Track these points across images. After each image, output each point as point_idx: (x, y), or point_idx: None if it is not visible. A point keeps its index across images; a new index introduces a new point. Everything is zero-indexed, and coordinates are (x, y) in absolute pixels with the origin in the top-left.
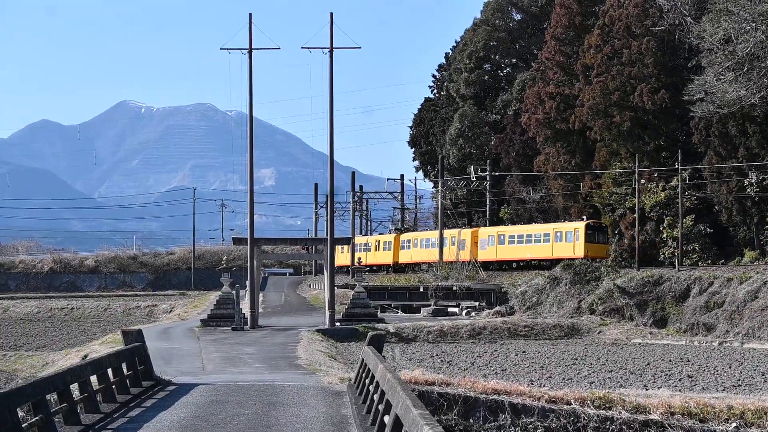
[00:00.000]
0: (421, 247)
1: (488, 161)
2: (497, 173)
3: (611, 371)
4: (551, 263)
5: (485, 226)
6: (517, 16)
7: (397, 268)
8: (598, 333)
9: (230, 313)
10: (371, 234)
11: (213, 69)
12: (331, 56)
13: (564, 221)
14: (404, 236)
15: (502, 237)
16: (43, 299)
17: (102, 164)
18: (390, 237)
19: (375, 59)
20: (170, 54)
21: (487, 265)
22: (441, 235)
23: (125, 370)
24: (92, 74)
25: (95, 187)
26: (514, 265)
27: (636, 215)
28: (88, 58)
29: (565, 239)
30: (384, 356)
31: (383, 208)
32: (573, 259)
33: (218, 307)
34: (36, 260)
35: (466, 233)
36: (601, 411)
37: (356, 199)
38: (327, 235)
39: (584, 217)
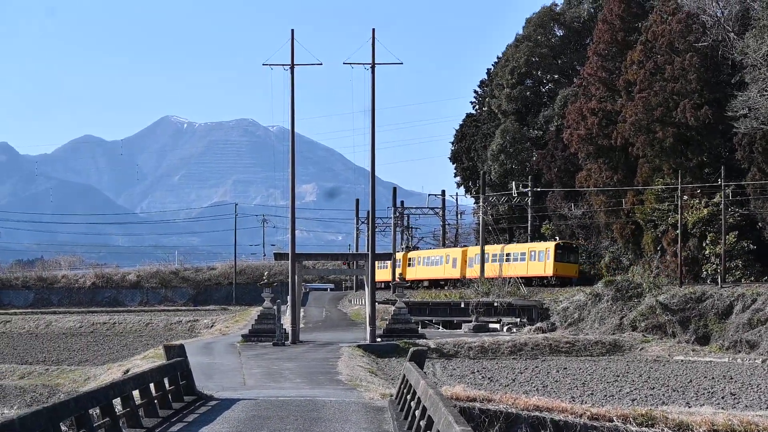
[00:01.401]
0: (424, 265)
1: (530, 177)
2: (539, 189)
3: (653, 388)
4: (527, 282)
5: (526, 242)
6: (560, 32)
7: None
8: (640, 350)
9: (271, 328)
10: (409, 250)
11: (255, 84)
12: (373, 72)
13: (539, 241)
14: (411, 254)
15: (486, 256)
16: (86, 314)
17: (144, 179)
18: (399, 255)
19: (417, 75)
20: (212, 69)
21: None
22: (482, 251)
23: (167, 385)
24: (135, 90)
25: (137, 203)
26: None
27: (678, 231)
28: (131, 74)
29: (538, 258)
30: (425, 372)
31: (425, 223)
32: (543, 277)
33: (259, 323)
34: (78, 275)
35: (457, 252)
36: (644, 428)
37: (397, 214)
38: (368, 251)
39: (557, 238)
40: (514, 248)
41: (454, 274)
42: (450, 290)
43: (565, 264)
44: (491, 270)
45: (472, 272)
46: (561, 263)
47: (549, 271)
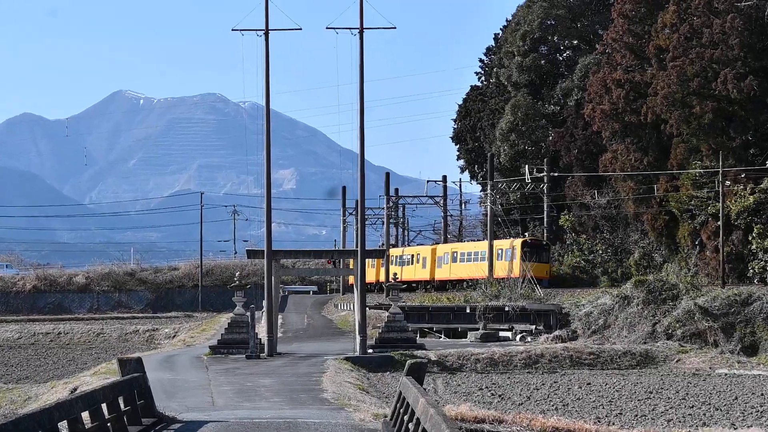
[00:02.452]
0: (397, 264)
1: (545, 160)
2: (556, 174)
3: (692, 407)
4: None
5: (542, 235)
6: None
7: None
8: (677, 361)
9: (244, 338)
10: (408, 245)
11: (223, 54)
12: (361, 38)
13: (503, 238)
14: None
15: (455, 255)
16: (25, 323)
17: (93, 165)
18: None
19: (413, 42)
20: (172, 37)
21: (443, 285)
22: (491, 246)
23: (122, 406)
24: (81, 62)
25: (86, 192)
26: (465, 285)
27: (720, 223)
28: (75, 44)
29: (505, 257)
30: (425, 388)
31: (422, 215)
32: (495, 279)
33: (230, 332)
34: (17, 277)
35: (426, 250)
36: None
37: (391, 204)
38: (357, 247)
39: (526, 234)
40: (480, 246)
41: (424, 275)
42: (453, 293)
43: (534, 264)
44: (455, 270)
45: (442, 273)
46: (529, 263)
47: (516, 272)
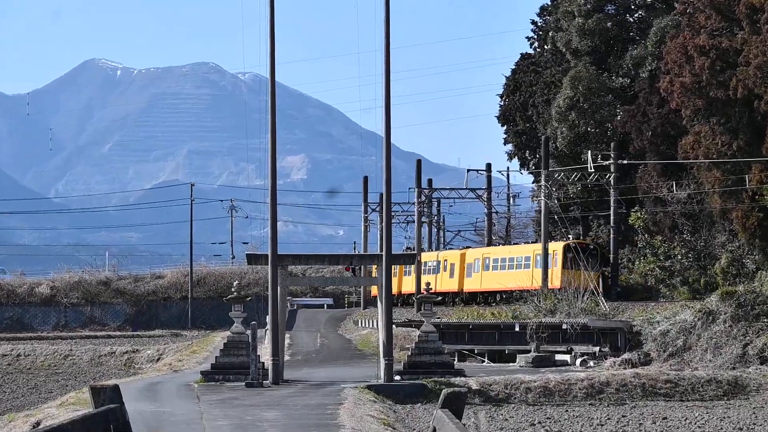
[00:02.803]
0: (438, 272)
1: (612, 144)
2: (625, 162)
3: None
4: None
5: (607, 234)
6: None
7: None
8: None
9: (243, 361)
10: (444, 248)
11: (218, 14)
12: None
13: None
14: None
15: (487, 261)
16: None
17: (60, 150)
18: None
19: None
20: None
21: (473, 297)
22: (545, 249)
23: None
24: (42, 23)
25: (51, 183)
26: (498, 297)
27: None
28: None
29: (543, 264)
30: (465, 424)
31: (462, 211)
32: (550, 290)
33: (226, 354)
34: None
35: (455, 256)
36: None
37: (423, 198)
38: (381, 251)
39: (570, 236)
40: (507, 251)
41: (451, 285)
42: (500, 307)
43: (580, 272)
44: (486, 279)
45: (472, 283)
46: (573, 271)
47: (556, 282)
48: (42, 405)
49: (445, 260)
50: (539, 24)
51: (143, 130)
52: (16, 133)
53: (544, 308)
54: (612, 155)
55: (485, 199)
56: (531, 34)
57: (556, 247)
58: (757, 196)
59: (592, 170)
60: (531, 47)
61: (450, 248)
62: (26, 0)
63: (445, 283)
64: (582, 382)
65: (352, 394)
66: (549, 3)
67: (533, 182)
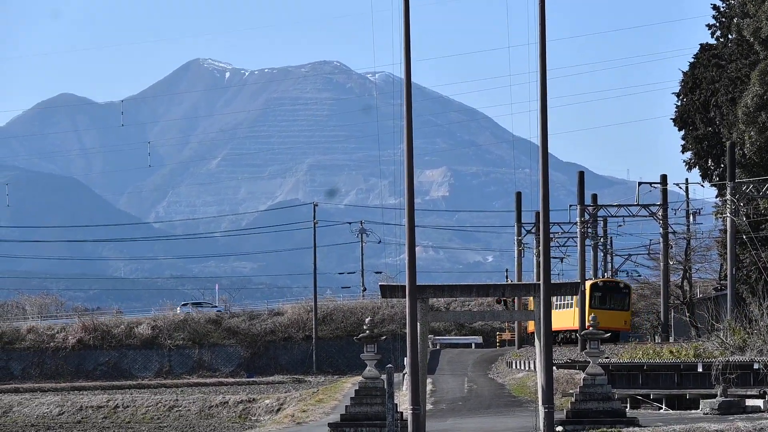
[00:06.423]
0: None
1: None
2: None
3: None
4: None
5: None
6: None
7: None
8: None
9: (378, 411)
10: (613, 275)
11: (341, 9)
12: None
13: None
14: None
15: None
16: (68, 392)
17: (159, 166)
18: None
19: None
20: None
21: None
22: (731, 273)
23: None
24: (138, 23)
25: (150, 206)
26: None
27: None
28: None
29: (566, 304)
30: None
31: (633, 231)
32: (573, 331)
33: (358, 402)
34: (55, 327)
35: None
36: None
37: (586, 217)
38: (538, 279)
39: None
40: None
41: (569, 322)
42: (680, 344)
43: (610, 312)
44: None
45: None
46: (602, 311)
47: (575, 323)
48: None
49: None
50: (722, 9)
51: (257, 142)
52: (108, 147)
53: (731, 344)
54: None
55: (660, 217)
56: (712, 21)
57: (585, 285)
58: None
59: None
60: (712, 37)
61: (621, 276)
62: None
63: (563, 321)
64: None
65: None
66: None
67: (717, 196)
